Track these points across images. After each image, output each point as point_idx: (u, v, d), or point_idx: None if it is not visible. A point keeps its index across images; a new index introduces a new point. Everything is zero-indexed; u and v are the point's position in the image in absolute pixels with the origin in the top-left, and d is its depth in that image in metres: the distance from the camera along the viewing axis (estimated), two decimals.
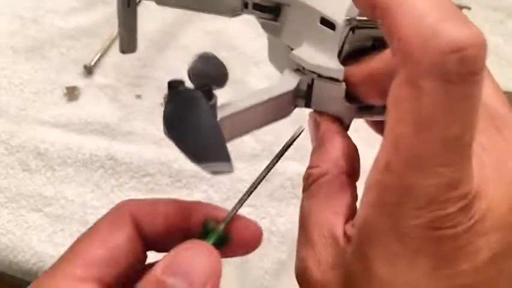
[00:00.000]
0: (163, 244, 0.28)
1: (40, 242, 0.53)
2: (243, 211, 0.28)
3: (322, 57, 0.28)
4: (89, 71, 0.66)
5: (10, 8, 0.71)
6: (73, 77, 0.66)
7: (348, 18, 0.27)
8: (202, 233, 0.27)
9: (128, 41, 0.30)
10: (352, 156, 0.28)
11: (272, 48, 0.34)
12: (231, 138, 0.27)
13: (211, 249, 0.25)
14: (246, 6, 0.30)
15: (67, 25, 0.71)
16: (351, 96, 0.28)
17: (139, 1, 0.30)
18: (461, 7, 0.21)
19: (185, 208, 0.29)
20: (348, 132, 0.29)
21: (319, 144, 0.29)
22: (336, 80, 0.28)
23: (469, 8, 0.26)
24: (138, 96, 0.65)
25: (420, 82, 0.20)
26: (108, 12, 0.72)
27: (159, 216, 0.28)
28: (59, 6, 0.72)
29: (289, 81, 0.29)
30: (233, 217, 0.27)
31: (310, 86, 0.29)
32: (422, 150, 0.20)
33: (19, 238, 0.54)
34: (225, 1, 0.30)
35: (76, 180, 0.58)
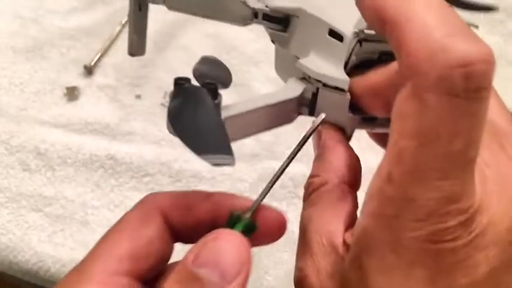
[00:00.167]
0: (190, 235, 0.28)
1: (40, 242, 0.53)
2: None
3: (328, 67, 0.29)
4: (89, 71, 0.66)
5: (10, 8, 0.71)
6: (73, 77, 0.66)
7: (356, 31, 0.28)
8: (229, 222, 0.26)
9: (137, 44, 0.30)
10: (354, 165, 0.28)
11: (279, 60, 0.34)
12: (232, 139, 0.27)
13: (240, 238, 0.24)
14: (256, 16, 0.31)
15: (67, 25, 0.71)
16: (354, 107, 0.28)
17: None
18: (468, 25, 0.21)
19: (211, 199, 0.28)
20: (350, 142, 0.30)
21: (320, 153, 0.29)
22: (341, 90, 0.28)
23: (476, 26, 0.26)
24: (138, 96, 0.65)
25: (426, 95, 0.20)
26: (108, 12, 0.72)
27: (186, 208, 0.28)
28: (59, 6, 0.72)
29: (294, 89, 0.29)
30: (258, 206, 0.27)
31: (314, 95, 0.29)
32: (424, 164, 0.20)
33: (19, 238, 0.54)
34: (236, 10, 0.30)
35: (76, 180, 0.58)
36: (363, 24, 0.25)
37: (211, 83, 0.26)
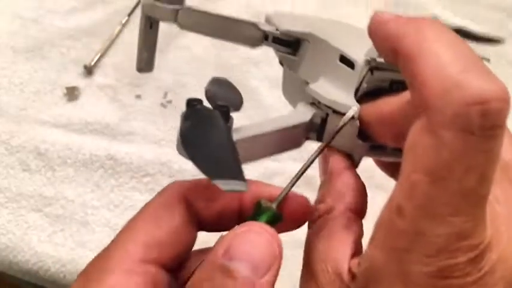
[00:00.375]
0: (214, 224, 0.28)
1: (40, 242, 0.53)
2: None
3: (338, 93, 0.28)
4: (89, 71, 0.66)
5: (10, 8, 0.71)
6: (73, 77, 0.66)
7: (368, 58, 0.27)
8: (255, 212, 0.26)
9: (146, 60, 0.30)
10: (360, 193, 0.28)
11: (287, 82, 0.34)
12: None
13: (272, 231, 0.24)
14: (266, 38, 0.31)
15: (67, 25, 0.71)
16: (363, 134, 0.28)
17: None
18: (481, 58, 0.21)
19: None
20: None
21: (327, 179, 0.29)
22: (351, 117, 0.28)
23: (488, 60, 0.26)
24: (138, 96, 0.65)
25: (441, 132, 0.20)
26: (108, 12, 0.72)
27: (210, 196, 0.28)
28: (59, 6, 0.72)
29: (304, 113, 0.29)
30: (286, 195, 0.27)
31: (323, 120, 0.29)
32: (437, 199, 0.20)
33: (19, 238, 0.54)
34: (247, 33, 0.31)
35: (76, 181, 0.58)
36: (375, 53, 0.25)
37: (224, 105, 0.26)
